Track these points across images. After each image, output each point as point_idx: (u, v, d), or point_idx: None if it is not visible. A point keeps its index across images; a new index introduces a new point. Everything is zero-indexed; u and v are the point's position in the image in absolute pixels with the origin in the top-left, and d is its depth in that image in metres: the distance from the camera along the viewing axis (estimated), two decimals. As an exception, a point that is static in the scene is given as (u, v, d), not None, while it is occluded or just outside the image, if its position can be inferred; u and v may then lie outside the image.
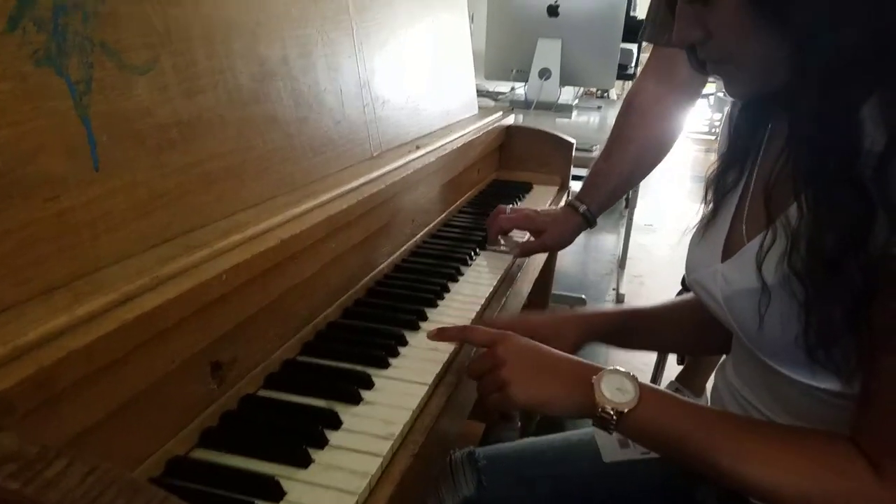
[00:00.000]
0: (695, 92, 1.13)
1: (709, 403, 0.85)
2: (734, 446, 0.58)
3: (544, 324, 0.83)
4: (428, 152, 1.13)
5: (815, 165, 0.54)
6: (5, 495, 0.36)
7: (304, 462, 0.58)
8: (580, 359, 0.68)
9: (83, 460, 0.38)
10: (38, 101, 0.51)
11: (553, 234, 1.14)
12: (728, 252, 0.68)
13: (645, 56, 1.30)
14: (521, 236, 1.20)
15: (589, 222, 1.15)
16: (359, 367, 0.74)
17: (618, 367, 0.64)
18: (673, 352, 1.65)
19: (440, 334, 0.75)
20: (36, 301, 0.47)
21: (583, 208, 1.14)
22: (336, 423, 0.64)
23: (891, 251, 0.50)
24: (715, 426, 0.60)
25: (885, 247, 0.51)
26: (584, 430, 0.91)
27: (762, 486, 0.57)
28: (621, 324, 0.86)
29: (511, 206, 1.21)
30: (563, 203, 1.20)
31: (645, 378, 2.04)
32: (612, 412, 0.61)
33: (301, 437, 0.61)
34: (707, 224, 0.74)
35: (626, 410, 0.61)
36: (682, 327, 0.87)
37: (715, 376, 0.82)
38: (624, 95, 1.22)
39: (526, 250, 1.17)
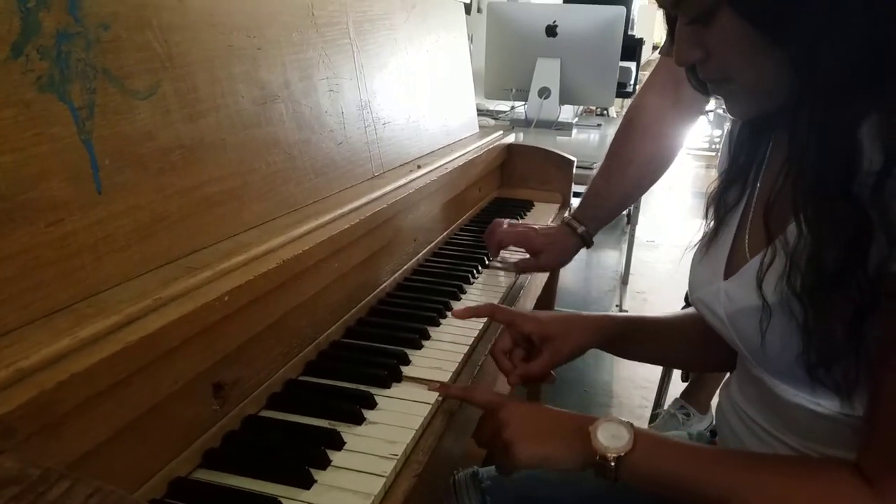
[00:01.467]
0: (699, 107, 1.11)
1: (714, 422, 0.84)
2: (730, 484, 0.59)
3: (553, 321, 0.83)
4: (429, 171, 1.14)
5: (814, 184, 0.54)
6: (7, 519, 0.36)
7: (307, 483, 0.58)
8: (578, 413, 0.69)
9: (86, 482, 0.38)
10: (41, 126, 0.51)
11: (551, 255, 1.15)
12: (731, 269, 0.68)
13: (644, 74, 1.30)
14: (520, 253, 1.20)
15: (586, 243, 1.15)
16: (361, 387, 0.74)
17: (613, 417, 0.65)
18: (677, 366, 1.64)
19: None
20: (38, 324, 0.48)
21: (581, 229, 1.14)
22: (339, 444, 0.64)
23: (890, 269, 0.50)
24: (709, 464, 0.61)
25: (884, 265, 0.51)
26: (589, 449, 0.90)
27: None
28: (628, 331, 0.86)
29: (508, 220, 1.21)
30: (560, 220, 1.19)
31: (650, 395, 2.03)
32: (609, 458, 0.62)
33: (303, 458, 0.61)
34: (709, 242, 0.74)
35: (622, 455, 0.62)
36: (688, 341, 0.86)
37: (720, 394, 0.81)
38: (623, 112, 1.21)
39: (523, 268, 1.17)
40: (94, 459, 0.48)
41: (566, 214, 1.19)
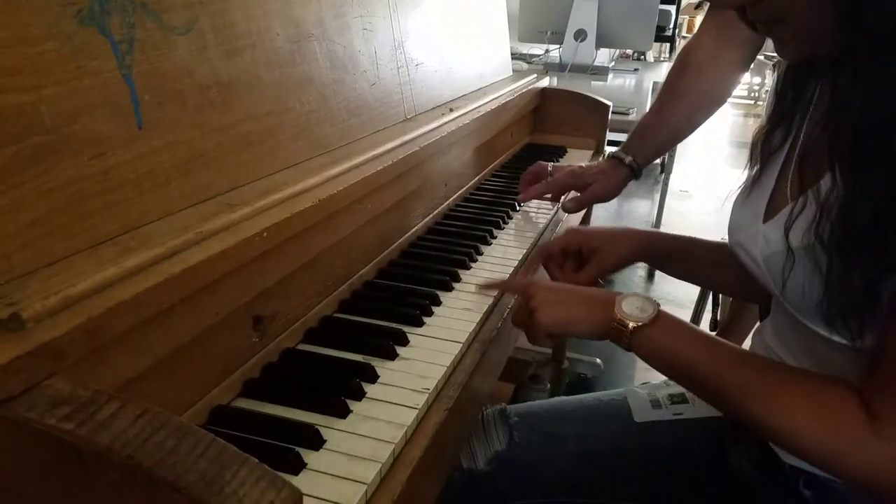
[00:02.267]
0: (753, 50, 1.09)
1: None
2: (738, 379, 0.60)
3: (600, 233, 0.87)
4: (461, 115, 1.13)
5: (852, 137, 0.54)
6: (60, 435, 0.38)
7: (343, 412, 0.60)
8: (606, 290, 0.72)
9: (135, 403, 0.40)
10: (82, 60, 0.52)
11: (602, 185, 1.13)
12: (771, 213, 0.68)
13: (684, 18, 1.27)
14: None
15: (635, 174, 1.14)
16: (394, 325, 0.75)
17: (642, 293, 0.67)
18: (718, 290, 1.61)
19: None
20: (84, 254, 0.49)
21: (629, 159, 1.13)
22: (373, 377, 0.66)
23: None
24: (724, 357, 0.62)
25: None
26: (616, 391, 0.92)
27: (758, 419, 0.58)
28: (673, 249, 0.88)
29: (552, 163, 1.20)
30: (605, 156, 1.19)
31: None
32: (626, 324, 0.64)
33: (339, 389, 0.63)
34: (752, 184, 0.73)
35: (640, 325, 0.64)
36: (731, 269, 0.86)
37: (752, 339, 0.81)
38: (663, 56, 1.19)
39: (580, 203, 1.16)
40: (138, 386, 0.50)
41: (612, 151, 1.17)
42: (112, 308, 0.45)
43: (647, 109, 1.19)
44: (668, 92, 1.15)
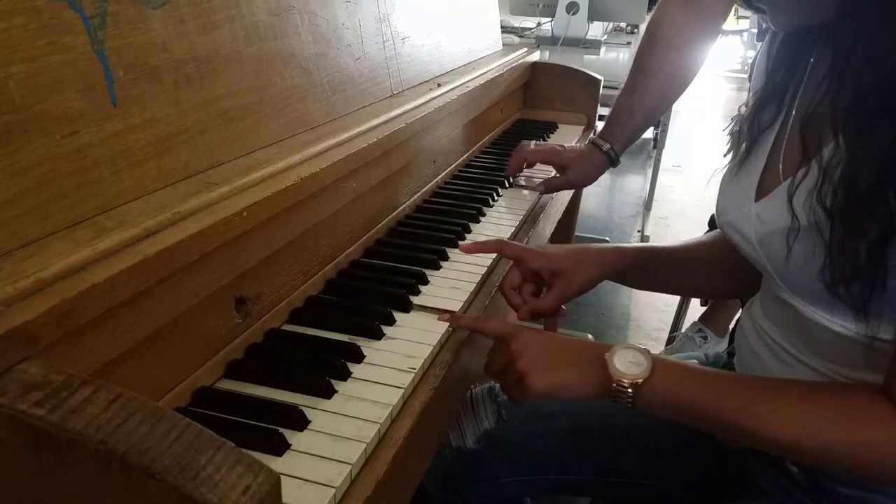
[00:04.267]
0: (719, 19, 1.08)
1: (730, 344, 0.84)
2: (752, 407, 0.58)
3: (562, 255, 0.81)
4: (449, 90, 1.11)
5: (855, 98, 0.53)
6: (31, 420, 0.37)
7: (328, 393, 0.60)
8: (592, 340, 0.68)
9: (108, 388, 0.39)
10: (52, 35, 0.50)
11: (578, 171, 1.13)
12: (762, 191, 0.67)
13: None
14: (546, 175, 1.19)
15: (612, 161, 1.13)
16: (380, 305, 0.75)
17: (629, 343, 0.64)
18: (690, 294, 1.63)
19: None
20: (58, 236, 0.48)
21: (606, 147, 1.12)
22: (359, 357, 0.65)
23: None
24: (730, 389, 0.61)
25: None
26: (605, 368, 0.91)
27: (783, 442, 0.57)
28: (640, 262, 0.85)
29: (535, 141, 1.20)
30: (587, 140, 1.18)
31: (667, 318, 2.04)
32: (626, 385, 0.61)
33: (324, 369, 0.62)
34: (740, 164, 0.72)
35: (640, 381, 0.61)
36: (700, 269, 0.86)
37: (741, 316, 0.81)
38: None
39: (551, 186, 1.16)
40: (118, 368, 0.50)
41: (592, 136, 1.16)
42: (86, 291, 0.44)
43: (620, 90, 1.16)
44: (639, 72, 1.11)
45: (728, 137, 0.75)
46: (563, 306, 0.82)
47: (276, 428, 0.54)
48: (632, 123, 1.12)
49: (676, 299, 1.97)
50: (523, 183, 1.19)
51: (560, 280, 0.80)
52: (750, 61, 6.32)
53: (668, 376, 0.62)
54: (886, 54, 0.51)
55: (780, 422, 0.57)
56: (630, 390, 0.61)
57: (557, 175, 1.15)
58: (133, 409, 0.38)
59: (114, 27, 0.56)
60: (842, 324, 0.60)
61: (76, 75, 0.52)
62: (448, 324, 0.73)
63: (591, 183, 1.17)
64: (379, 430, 0.56)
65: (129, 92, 0.56)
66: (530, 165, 1.19)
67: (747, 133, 0.72)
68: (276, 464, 0.51)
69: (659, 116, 1.18)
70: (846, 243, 0.54)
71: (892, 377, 0.55)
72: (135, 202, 0.55)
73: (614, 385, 0.62)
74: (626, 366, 0.62)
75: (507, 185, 1.19)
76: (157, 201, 0.55)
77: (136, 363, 0.52)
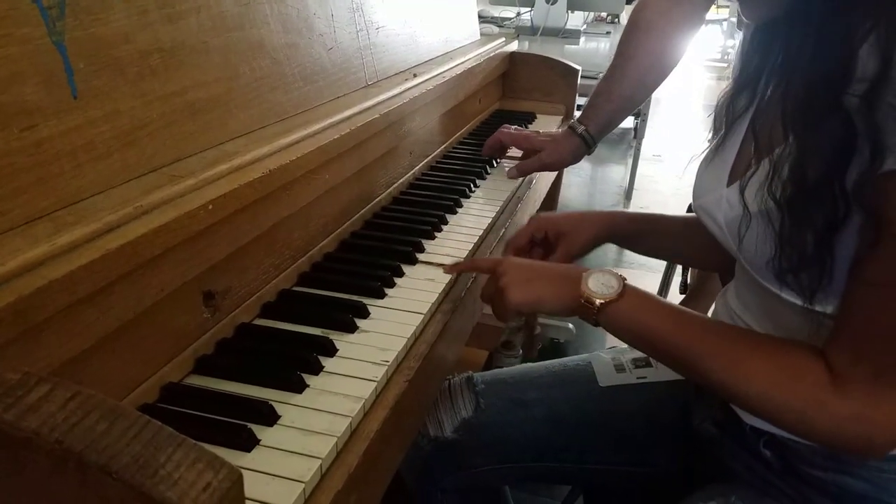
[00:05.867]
0: (703, 7, 1.08)
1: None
2: (704, 347, 0.61)
3: (565, 218, 0.87)
4: (425, 80, 1.10)
5: (805, 92, 0.54)
6: (-13, 420, 0.36)
7: (299, 387, 0.59)
8: (576, 266, 0.72)
9: (66, 386, 0.38)
10: (8, 27, 0.49)
11: (550, 152, 1.12)
12: (734, 177, 0.68)
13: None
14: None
15: (587, 144, 1.12)
16: (355, 297, 0.74)
17: (608, 269, 0.67)
18: (681, 262, 1.64)
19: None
20: (16, 231, 0.47)
21: (581, 129, 1.11)
22: (331, 351, 0.65)
23: (869, 180, 0.50)
24: (689, 326, 0.63)
25: (863, 176, 0.50)
26: (581, 357, 0.92)
27: (726, 385, 0.60)
28: (641, 226, 0.89)
29: (515, 126, 1.21)
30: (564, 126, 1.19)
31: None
32: (595, 302, 0.64)
33: (296, 363, 0.61)
34: (716, 149, 0.73)
35: (605, 301, 0.64)
36: (695, 241, 0.87)
37: (716, 302, 0.82)
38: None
39: (523, 169, 1.15)
40: (82, 365, 0.49)
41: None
42: (43, 287, 0.43)
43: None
44: (618, 55, 1.11)
45: (710, 122, 0.76)
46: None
47: (246, 423, 0.53)
48: (608, 108, 1.11)
49: (655, 289, 1.98)
50: (505, 164, 1.22)
51: (565, 240, 0.85)
52: (730, 51, 6.36)
53: (634, 303, 0.65)
54: (835, 49, 0.51)
55: (722, 364, 0.60)
56: (595, 307, 0.65)
57: (531, 158, 1.15)
58: (90, 406, 0.37)
59: (73, 18, 0.54)
60: (791, 301, 0.61)
61: (34, 67, 0.51)
62: (422, 315, 0.72)
63: (566, 166, 1.18)
64: (351, 423, 0.56)
65: (90, 84, 0.55)
66: (504, 147, 1.21)
67: (723, 119, 0.72)
68: (244, 460, 0.51)
69: (639, 102, 1.17)
70: (794, 235, 0.56)
71: (830, 344, 0.57)
72: (97, 196, 0.54)
73: (582, 300, 0.65)
74: (598, 286, 0.66)
75: (485, 177, 1.18)
76: (119, 195, 0.54)
77: (101, 359, 0.51)
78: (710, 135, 0.76)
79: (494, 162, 1.24)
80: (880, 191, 0.50)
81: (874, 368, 0.54)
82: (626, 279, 0.66)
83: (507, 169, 1.19)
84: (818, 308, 0.58)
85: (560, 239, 0.85)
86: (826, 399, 0.55)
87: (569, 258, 0.85)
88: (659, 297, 0.68)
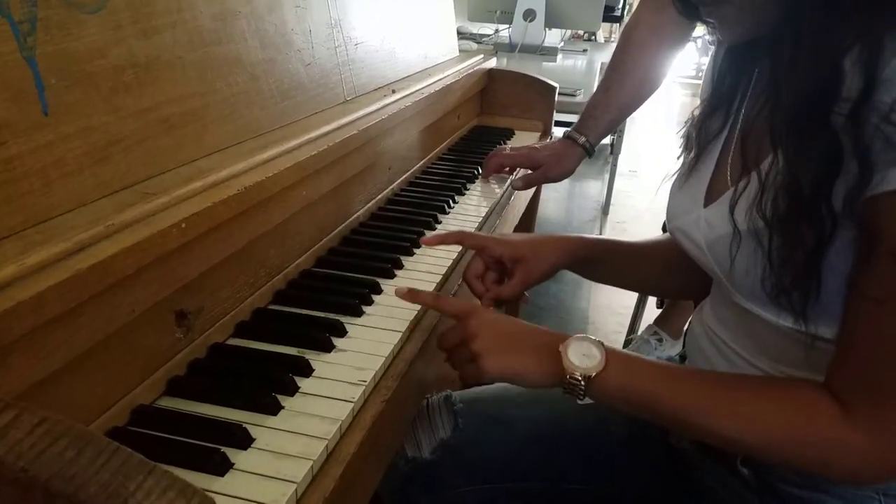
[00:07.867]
0: (688, 28, 1.14)
1: (683, 346, 0.85)
2: (700, 402, 0.59)
3: (524, 243, 0.82)
4: (404, 96, 1.10)
5: (793, 112, 0.54)
6: (-50, 448, 0.35)
7: (274, 409, 0.58)
8: (548, 329, 0.68)
9: (33, 412, 0.37)
10: (-23, 42, 0.48)
11: (553, 166, 1.20)
12: (711, 198, 0.68)
13: (633, -1, 1.32)
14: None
15: (588, 152, 1.21)
16: (332, 316, 0.73)
17: (585, 335, 0.64)
18: (645, 292, 1.67)
19: (411, 294, 0.74)
20: (-17, 251, 0.46)
21: (582, 139, 1.20)
22: (307, 371, 0.64)
23: (860, 197, 0.50)
24: (681, 383, 0.61)
25: (853, 193, 0.51)
26: (561, 375, 0.91)
27: (731, 437, 0.58)
28: (599, 254, 0.86)
29: (510, 144, 1.25)
30: (560, 136, 1.25)
31: (624, 321, 2.06)
32: (580, 378, 0.62)
33: (270, 384, 0.60)
34: (689, 170, 0.73)
35: (593, 375, 0.61)
36: (656, 267, 0.87)
37: (692, 318, 0.82)
38: (613, 37, 1.25)
39: (528, 182, 1.22)
40: (50, 387, 0.47)
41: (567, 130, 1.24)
42: (10, 309, 0.42)
43: (595, 89, 1.25)
44: (614, 69, 1.21)
45: (681, 140, 0.76)
46: (525, 293, 0.83)
47: (219, 447, 0.52)
48: (606, 118, 1.21)
49: (633, 302, 1.99)
50: (493, 182, 1.25)
51: (522, 267, 0.81)
52: (704, 68, 6.46)
53: (621, 369, 0.62)
54: (822, 68, 0.52)
55: (728, 417, 0.58)
56: (583, 383, 0.62)
57: (534, 172, 1.22)
58: (59, 433, 0.36)
59: (45, 33, 0.53)
60: (786, 325, 0.61)
61: (3, 83, 0.50)
62: (401, 333, 0.72)
63: (568, 176, 1.24)
64: (327, 446, 0.55)
65: (62, 99, 0.54)
66: (504, 168, 1.25)
67: (696, 140, 0.73)
68: (218, 484, 0.50)
69: (631, 112, 1.29)
70: (785, 253, 0.55)
71: (834, 374, 0.56)
72: (67, 214, 0.53)
73: (568, 378, 0.62)
74: (580, 359, 0.63)
75: (464, 192, 1.19)
76: (91, 213, 0.53)
77: (70, 381, 0.50)
78: (681, 154, 0.76)
79: (474, 177, 1.25)
80: (870, 209, 0.50)
81: (885, 390, 0.53)
82: (604, 343, 0.63)
83: (493, 182, 1.24)
84: (811, 328, 0.57)
85: (517, 265, 0.81)
86: (843, 435, 0.54)
87: (526, 287, 0.81)
88: (640, 355, 0.65)
